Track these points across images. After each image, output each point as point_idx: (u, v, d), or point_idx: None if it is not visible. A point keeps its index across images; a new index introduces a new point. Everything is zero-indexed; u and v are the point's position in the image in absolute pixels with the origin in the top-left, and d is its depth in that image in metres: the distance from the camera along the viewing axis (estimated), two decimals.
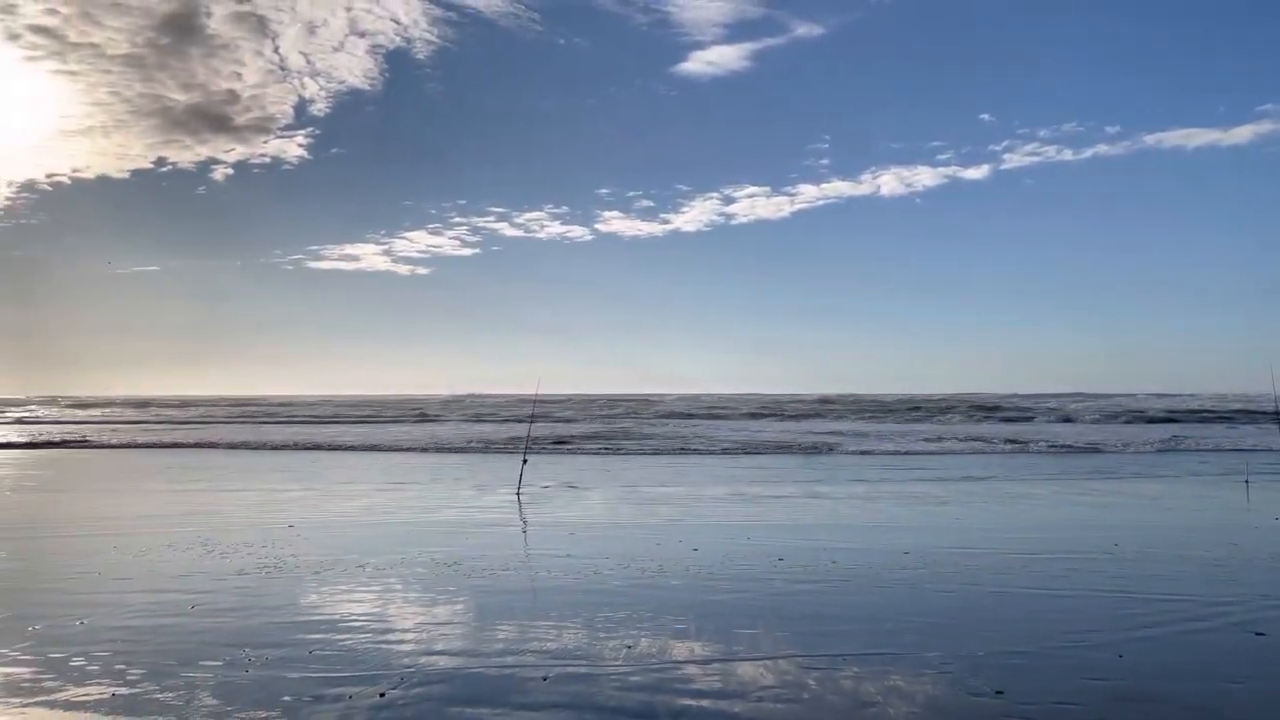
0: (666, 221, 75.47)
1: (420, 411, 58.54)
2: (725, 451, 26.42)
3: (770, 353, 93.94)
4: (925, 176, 68.23)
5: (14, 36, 62.07)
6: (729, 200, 73.33)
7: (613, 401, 72.44)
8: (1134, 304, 78.39)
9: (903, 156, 72.54)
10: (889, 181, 69.31)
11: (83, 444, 32.66)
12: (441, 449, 28.59)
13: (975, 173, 67.63)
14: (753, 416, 51.35)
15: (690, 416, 52.13)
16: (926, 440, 30.27)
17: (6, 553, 9.81)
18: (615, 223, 75.98)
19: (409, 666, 5.62)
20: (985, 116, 68.92)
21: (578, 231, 76.47)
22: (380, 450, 28.28)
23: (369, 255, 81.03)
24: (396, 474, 20.25)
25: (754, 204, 72.86)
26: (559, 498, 15.12)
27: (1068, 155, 65.73)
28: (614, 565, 8.98)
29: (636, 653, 5.92)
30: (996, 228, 76.90)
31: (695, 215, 74.59)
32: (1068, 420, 44.58)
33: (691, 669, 5.59)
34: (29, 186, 72.70)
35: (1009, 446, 27.80)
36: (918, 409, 53.80)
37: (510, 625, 6.65)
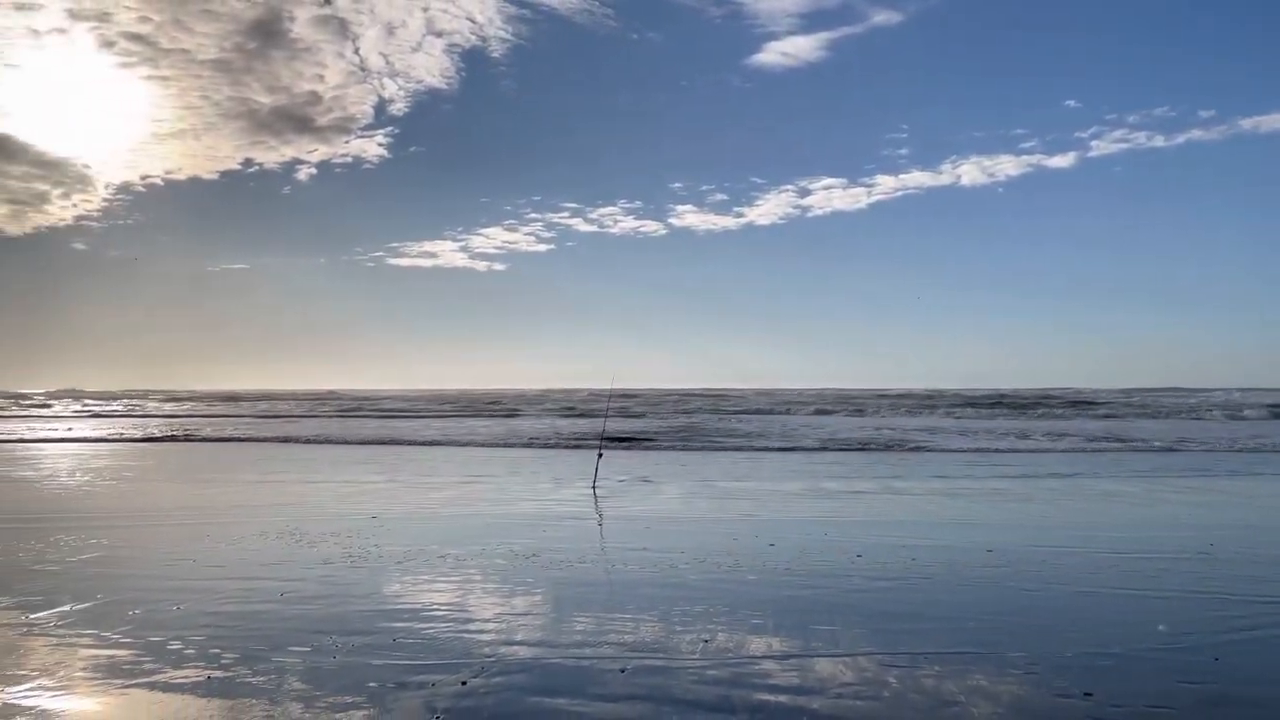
0: (741, 215, 75.21)
1: (496, 405, 59.39)
2: (800, 447, 26.20)
3: (847, 347, 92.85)
4: (1008, 165, 66.68)
5: (109, 44, 64.77)
6: (804, 192, 72.76)
7: (687, 396, 72.49)
8: (1229, 296, 75.26)
9: (984, 145, 71.05)
10: (970, 171, 67.94)
11: (174, 438, 33.96)
12: (516, 444, 28.95)
13: (1061, 161, 65.86)
14: (824, 412, 50.83)
15: (764, 412, 51.84)
16: (1010, 436, 29.56)
17: (109, 540, 10.27)
18: (689, 217, 76.02)
19: (489, 656, 5.72)
20: (1071, 102, 67.08)
21: (651, 226, 76.72)
22: (458, 445, 28.77)
23: (447, 252, 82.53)
24: (474, 467, 20.58)
25: (830, 196, 72.12)
26: (634, 492, 15.19)
27: (1159, 141, 63.60)
28: (689, 559, 8.99)
29: (713, 647, 5.92)
30: (1083, 218, 74.79)
31: (770, 208, 74.19)
32: (1159, 416, 43.06)
33: (768, 664, 5.57)
34: (125, 189, 75.90)
35: (1097, 443, 26.97)
36: (1000, 404, 52.60)
37: (588, 617, 6.72)
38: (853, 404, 56.55)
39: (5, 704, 4.87)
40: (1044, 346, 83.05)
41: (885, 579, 8.13)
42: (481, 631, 6.35)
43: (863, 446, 26.03)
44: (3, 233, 79.44)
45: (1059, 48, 70.15)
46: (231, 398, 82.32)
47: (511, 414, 51.70)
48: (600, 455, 16.76)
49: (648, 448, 26.63)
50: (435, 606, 7.11)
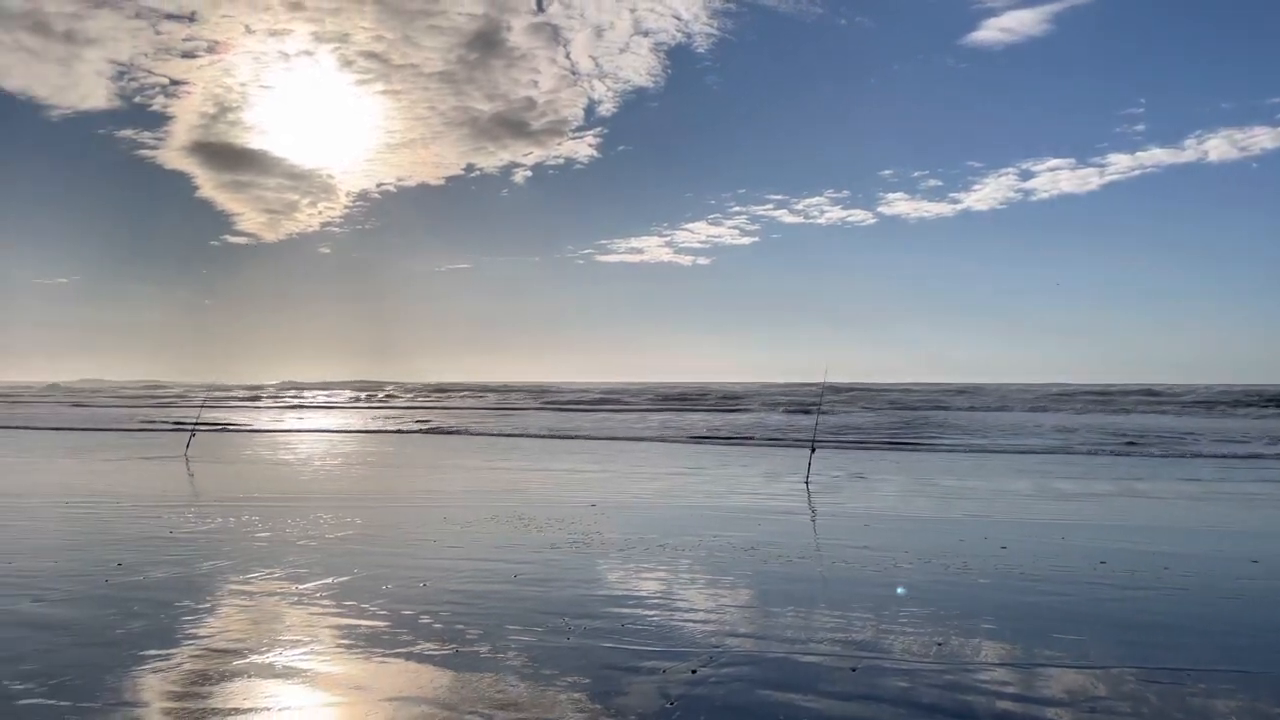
0: (956, 201, 71.88)
1: (701, 399, 59.85)
2: (1026, 445, 24.74)
3: (1079, 339, 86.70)
4: (1263, 138, 60.07)
5: (348, 63, 70.31)
6: (1027, 175, 68.59)
7: (900, 390, 70.19)
8: None
9: (1235, 117, 64.33)
10: (1218, 146, 61.72)
11: (404, 431, 36.42)
12: (724, 438, 29.03)
13: None
14: (1047, 409, 47.73)
15: (983, 408, 49.37)
16: (1275, 439, 26.67)
17: (361, 519, 11.17)
18: (900, 205, 73.50)
19: (717, 646, 5.76)
20: None
21: (859, 215, 74.79)
22: (667, 440, 29.20)
23: (652, 248, 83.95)
24: (684, 459, 20.82)
25: (1056, 178, 67.57)
26: (849, 488, 14.87)
27: None
28: (914, 559, 8.69)
29: (947, 651, 5.69)
30: None
31: (989, 193, 70.47)
32: None
33: (1008, 672, 5.29)
34: (363, 196, 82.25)
35: None
36: (1258, 401, 47.50)
37: (813, 613, 6.63)
38: (1087, 399, 52.84)
39: (284, 666, 5.38)
40: None
41: (1135, 588, 7.53)
42: (706, 622, 6.41)
43: (1101, 444, 24.23)
44: (260, 239, 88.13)
45: None
46: (454, 389, 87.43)
47: (717, 408, 51.96)
48: (813, 450, 16.52)
49: (861, 444, 25.99)
50: (659, 594, 7.24)
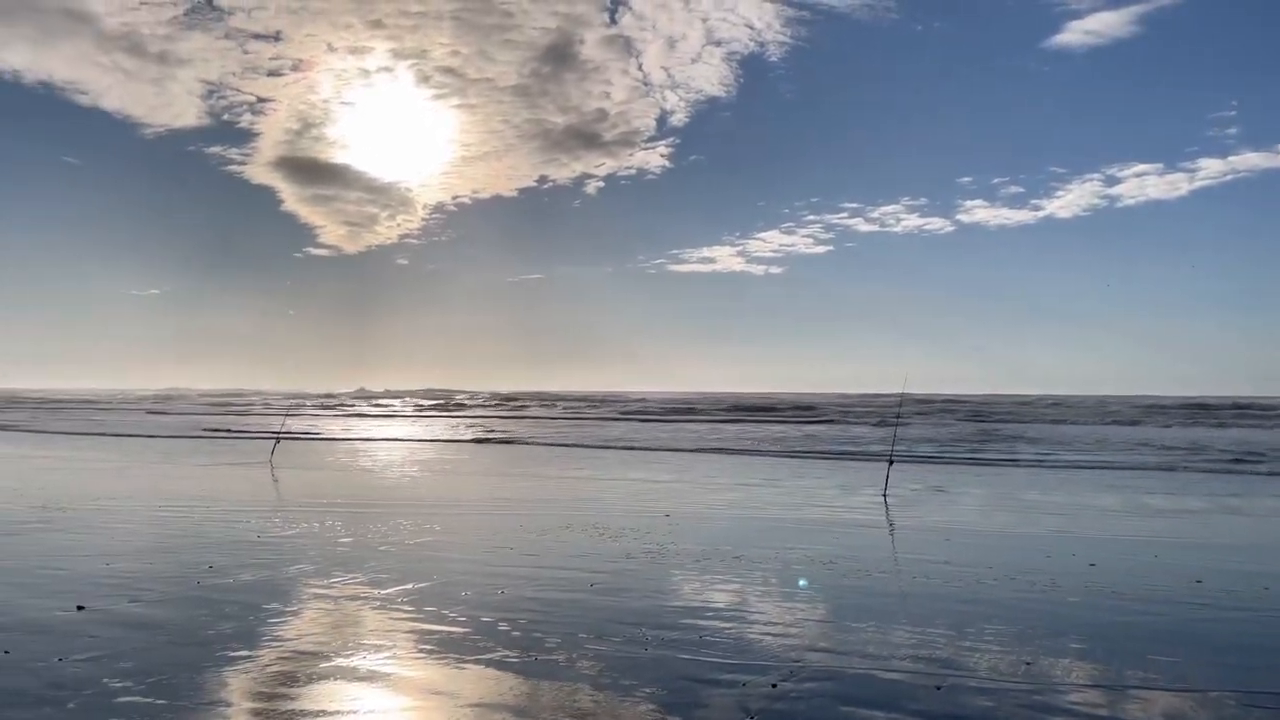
0: (1038, 208, 70.38)
1: (773, 410, 59.37)
2: (1113, 459, 23.94)
3: (1167, 349, 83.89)
4: None
5: (425, 78, 71.92)
6: (1112, 181, 66.80)
7: (982, 401, 68.57)
8: None
9: None
10: None
11: (481, 440, 36.91)
12: (798, 449, 28.74)
13: None
14: (1140, 422, 46.14)
15: (1065, 421, 47.99)
16: None
17: (439, 525, 11.34)
18: (979, 212, 72.22)
19: (797, 660, 5.69)
20: None
21: (937, 223, 73.71)
22: (738, 452, 29.03)
23: (725, 257, 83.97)
24: (757, 471, 20.67)
25: (1143, 184, 65.67)
26: (928, 502, 14.58)
27: None
28: (998, 575, 8.47)
29: (1036, 671, 5.53)
30: None
31: (1072, 199, 68.82)
32: None
33: (1100, 694, 5.10)
34: (439, 208, 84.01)
35: None
36: None
37: (894, 629, 6.50)
38: (1175, 412, 50.96)
39: (367, 670, 5.48)
40: None
41: (1235, 609, 7.22)
42: (784, 635, 6.33)
43: (1194, 459, 23.32)
44: (341, 251, 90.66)
45: None
46: (526, 398, 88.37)
47: (790, 419, 51.49)
48: (891, 463, 16.24)
49: (939, 457, 25.47)
50: (735, 607, 7.19)
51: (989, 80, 73.58)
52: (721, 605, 7.23)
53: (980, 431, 36.43)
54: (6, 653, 5.67)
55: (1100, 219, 68.81)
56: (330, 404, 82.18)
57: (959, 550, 9.91)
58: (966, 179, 74.46)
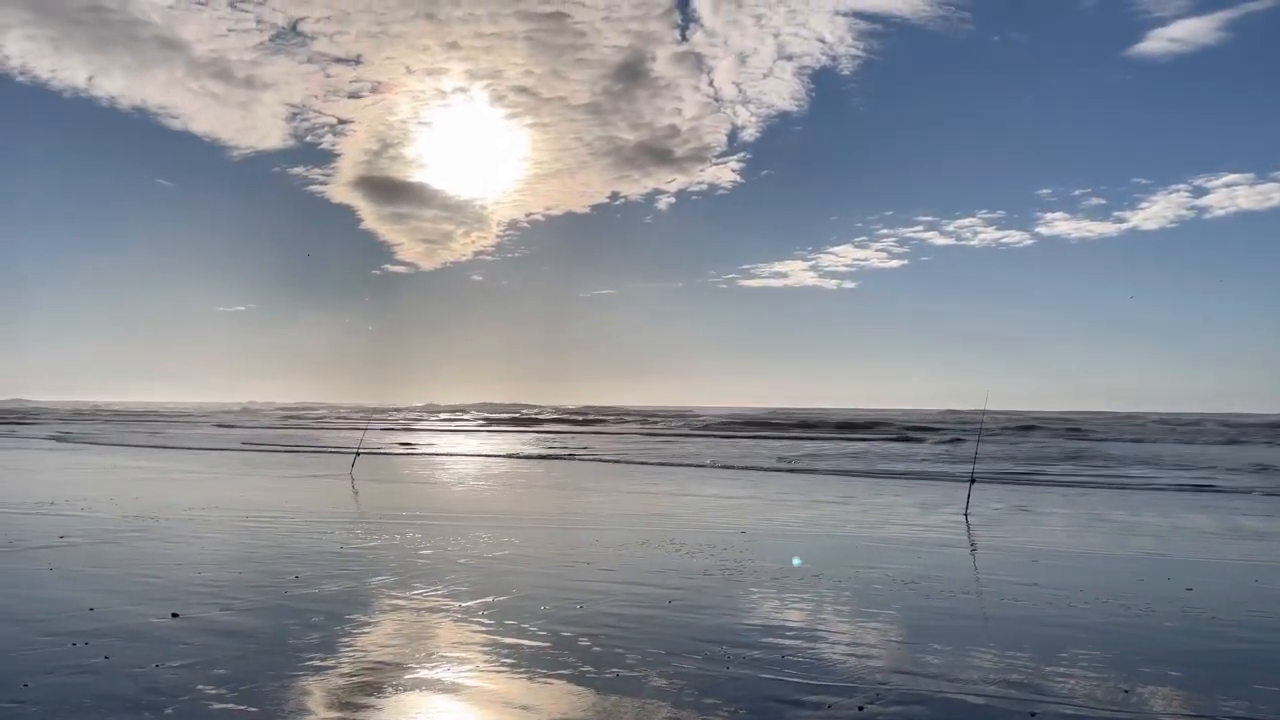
0: (1121, 220, 68.37)
1: (848, 426, 58.56)
2: (1204, 479, 23.00)
3: (1259, 365, 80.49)
4: None
5: (500, 98, 73.18)
6: (1200, 192, 64.57)
7: (1065, 419, 66.67)
8: None
9: None
10: None
11: (551, 456, 37.15)
12: (873, 466, 28.27)
13: None
14: (1225, 441, 44.28)
15: (1155, 440, 46.33)
16: None
17: (517, 539, 11.43)
18: (1059, 224, 70.48)
19: (883, 683, 5.56)
20: None
21: (1015, 236, 72.12)
22: (813, 472, 28.68)
23: (796, 272, 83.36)
24: (833, 488, 20.38)
25: (1233, 194, 63.34)
26: (1012, 522, 14.19)
27: None
28: (1089, 599, 8.18)
29: (1134, 700, 5.31)
30: None
31: (1158, 211, 66.69)
32: None
33: None
34: (512, 225, 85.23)
35: None
36: None
37: (983, 652, 6.32)
38: (1259, 432, 48.83)
39: (450, 682, 5.53)
40: None
41: None
42: (869, 656, 6.20)
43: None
44: (418, 268, 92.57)
45: None
46: (598, 412, 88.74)
47: (866, 436, 50.73)
48: (972, 481, 15.86)
49: (1022, 475, 24.78)
50: (817, 626, 7.07)
51: (1069, 90, 71.92)
52: (802, 624, 7.13)
53: (1063, 450, 35.37)
54: (106, 658, 5.86)
55: (1188, 231, 66.58)
56: (403, 418, 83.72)
57: (1047, 572, 9.61)
58: (1046, 191, 72.73)
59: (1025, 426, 56.38)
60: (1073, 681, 5.64)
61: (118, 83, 75.84)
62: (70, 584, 8.27)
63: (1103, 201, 69.92)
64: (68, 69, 73.32)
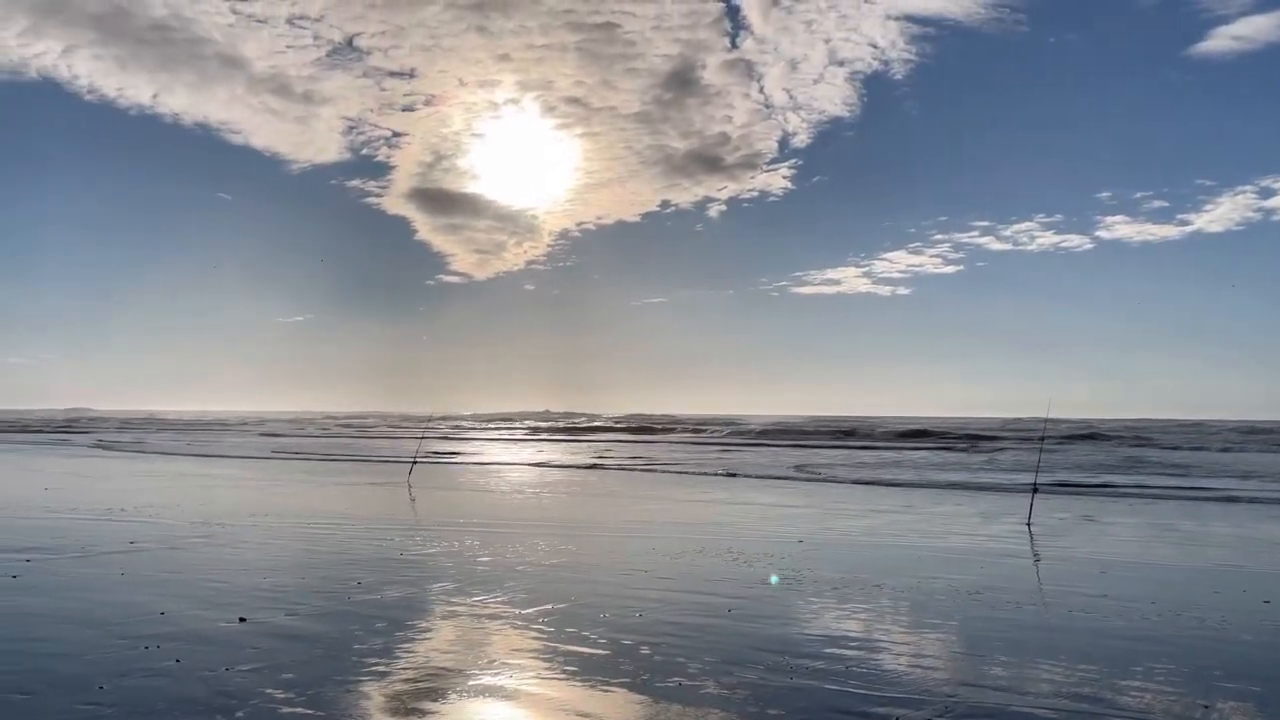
0: (1185, 223, 66.57)
1: (903, 435, 57.79)
2: (1277, 489, 22.24)
3: None
4: None
5: (550, 109, 73.74)
6: (1268, 193, 62.60)
7: (1128, 427, 65.02)
8: None
9: None
10: None
11: (599, 466, 37.19)
12: (931, 476, 27.84)
13: None
14: None
15: (1222, 449, 44.93)
16: None
17: (574, 547, 11.45)
18: (1120, 228, 68.84)
19: (951, 695, 5.45)
20: None
21: (1075, 240, 70.63)
22: (872, 483, 28.34)
23: (850, 278, 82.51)
24: (891, 497, 20.10)
25: None
26: (1077, 532, 13.85)
27: None
28: (1162, 611, 7.95)
29: (1216, 716, 5.13)
30: None
31: (1223, 213, 64.81)
32: None
33: None
34: (564, 234, 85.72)
35: None
36: None
37: (1052, 665, 6.16)
38: None
39: (513, 689, 5.54)
40: None
41: None
42: (935, 668, 6.08)
43: None
44: (471, 278, 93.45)
45: None
46: (650, 421, 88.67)
47: (923, 445, 50.02)
48: (1035, 490, 15.54)
49: (1086, 485, 24.19)
50: (880, 637, 6.96)
51: (1128, 91, 70.23)
52: (866, 635, 7.02)
53: (1128, 458, 34.50)
54: (178, 661, 5.98)
55: (1254, 233, 64.51)
56: (462, 426, 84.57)
57: (1115, 583, 9.36)
58: (1105, 194, 70.97)
59: (1089, 435, 55.07)
60: (1148, 696, 5.48)
61: (181, 100, 77.76)
62: (141, 588, 8.48)
63: (1166, 204, 68.15)
64: (134, 87, 75.41)
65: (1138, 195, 70.55)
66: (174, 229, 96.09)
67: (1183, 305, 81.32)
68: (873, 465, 31.25)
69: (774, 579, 8.41)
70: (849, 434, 59.45)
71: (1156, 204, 68.28)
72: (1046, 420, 17.49)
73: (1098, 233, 69.42)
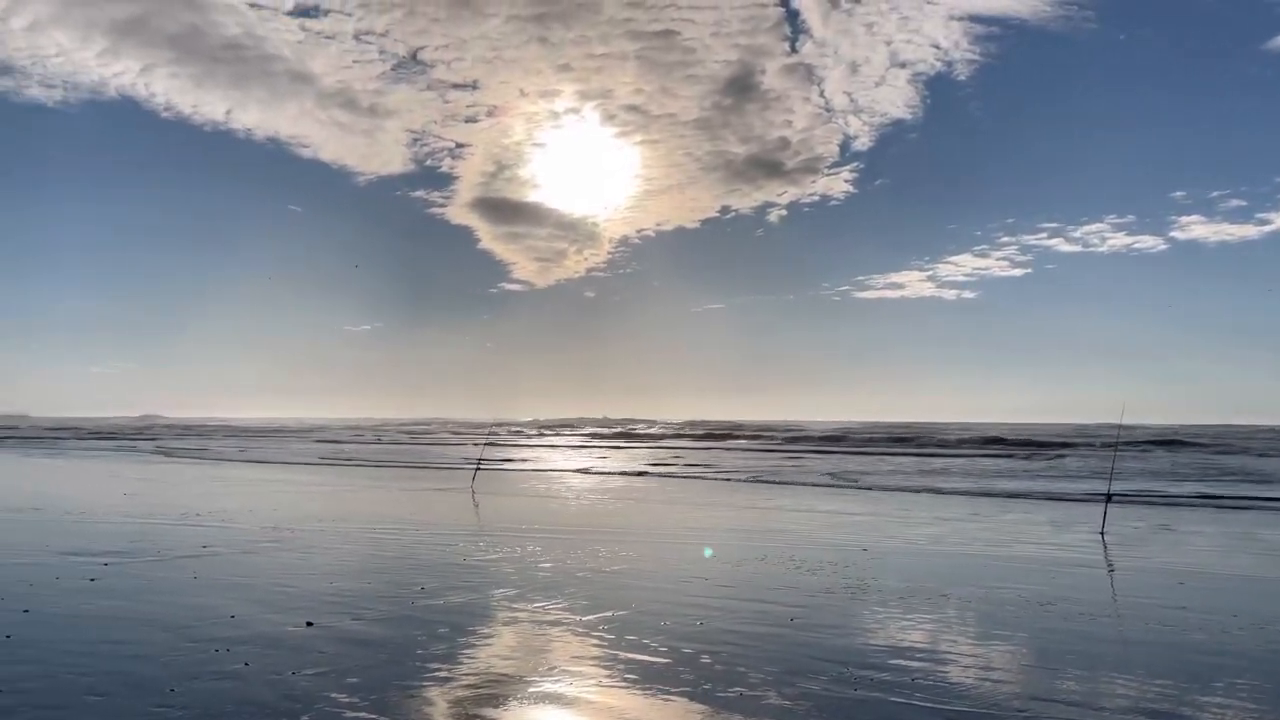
0: (1265, 222, 64.33)
1: (971, 440, 56.68)
2: None
3: None
4: None
5: (610, 117, 74.13)
6: None
7: (1206, 433, 62.88)
8: None
9: None
10: None
11: (656, 473, 37.14)
12: (997, 483, 27.24)
13: None
14: None
15: None
16: None
17: (633, 553, 11.44)
18: (1196, 228, 66.77)
19: (1021, 710, 5.30)
20: None
21: (1148, 241, 68.69)
22: (936, 491, 27.84)
23: (913, 282, 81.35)
24: (958, 504, 19.72)
25: None
26: (1153, 542, 13.41)
27: None
28: (1244, 624, 7.65)
29: None
30: None
31: None
32: None
33: None
34: (624, 242, 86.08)
35: None
36: None
37: (1127, 679, 5.96)
38: None
39: (575, 696, 5.54)
40: None
41: None
42: (1005, 681, 5.92)
43: None
44: (533, 286, 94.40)
45: None
46: (711, 427, 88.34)
47: (989, 452, 49.00)
48: (1109, 499, 15.09)
49: (1162, 494, 23.44)
50: (947, 648, 6.81)
51: (1202, 87, 68.16)
52: (931, 646, 6.87)
53: (1205, 466, 33.35)
54: (246, 664, 6.10)
55: None
56: (515, 433, 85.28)
57: (1194, 595, 9.03)
58: (1180, 193, 68.94)
59: (1164, 441, 53.36)
60: (1229, 713, 5.26)
61: (253, 115, 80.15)
62: (213, 592, 8.68)
63: (1243, 203, 65.94)
64: (208, 104, 77.76)
65: (1214, 194, 68.51)
66: (247, 241, 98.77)
67: (1263, 308, 78.39)
68: (937, 472, 30.70)
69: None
70: (913, 440, 58.51)
71: (1234, 203, 66.18)
72: (1120, 426, 16.98)
73: (1172, 233, 67.52)
